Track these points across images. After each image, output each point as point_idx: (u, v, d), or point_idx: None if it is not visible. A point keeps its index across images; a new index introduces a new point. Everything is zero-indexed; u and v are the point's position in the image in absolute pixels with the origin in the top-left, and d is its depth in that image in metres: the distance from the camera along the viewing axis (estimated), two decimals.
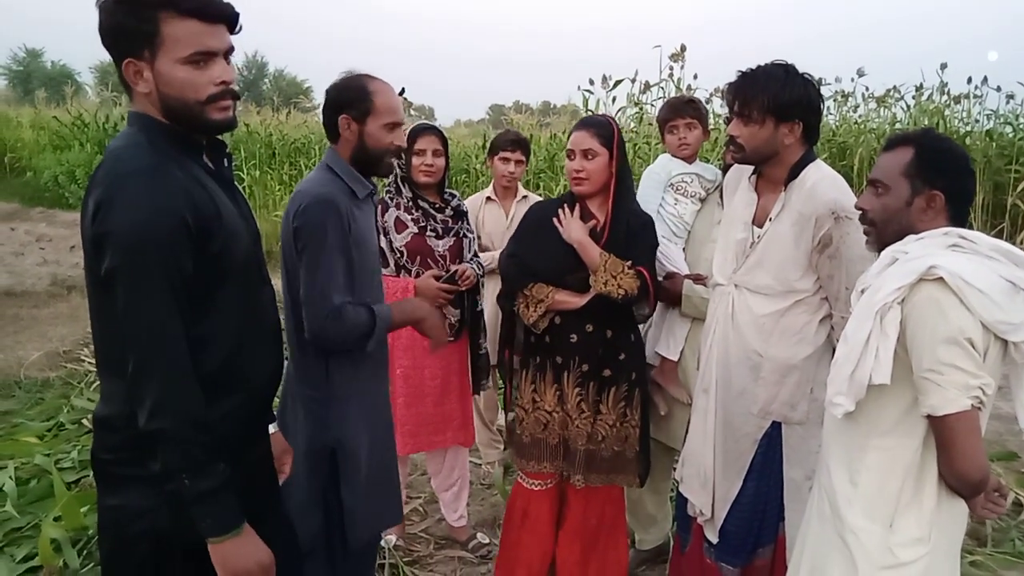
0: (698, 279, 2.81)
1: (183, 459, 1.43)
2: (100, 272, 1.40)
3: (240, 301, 1.59)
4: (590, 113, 9.02)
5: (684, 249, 2.96)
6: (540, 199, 3.55)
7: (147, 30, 1.42)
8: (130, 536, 1.53)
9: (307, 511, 2.17)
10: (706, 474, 2.46)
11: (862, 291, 1.77)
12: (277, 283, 1.92)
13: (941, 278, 1.56)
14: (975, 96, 8.80)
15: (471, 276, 3.01)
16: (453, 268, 2.97)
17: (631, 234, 2.54)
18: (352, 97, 2.19)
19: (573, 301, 2.52)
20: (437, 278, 2.93)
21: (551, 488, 2.68)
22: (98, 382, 4.68)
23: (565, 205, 2.57)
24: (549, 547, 2.72)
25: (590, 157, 2.49)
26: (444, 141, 3.05)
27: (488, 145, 3.50)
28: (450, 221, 3.08)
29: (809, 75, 2.26)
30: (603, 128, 2.52)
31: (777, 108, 2.19)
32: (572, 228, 2.51)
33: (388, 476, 2.39)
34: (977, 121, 8.93)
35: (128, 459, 1.49)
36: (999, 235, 7.73)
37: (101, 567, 1.65)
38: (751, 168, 2.41)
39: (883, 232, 1.80)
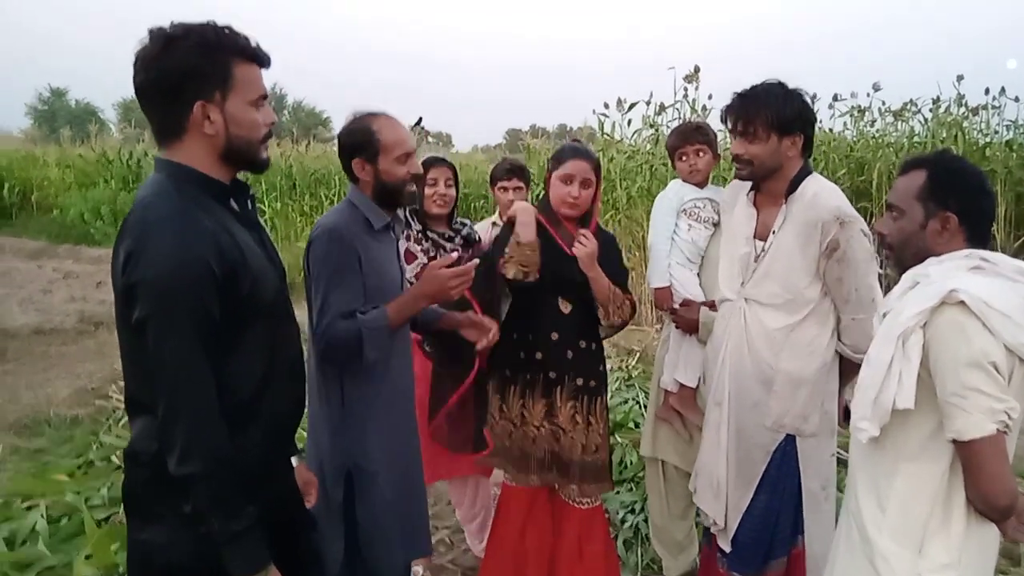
0: (713, 306, 2.81)
1: (213, 501, 1.48)
2: (131, 320, 1.45)
3: (266, 339, 1.63)
4: (606, 137, 9.07)
5: (698, 274, 2.96)
6: None
7: (222, 74, 1.52)
8: (154, 570, 1.57)
9: (330, 537, 2.18)
10: (719, 484, 2.52)
11: (884, 314, 1.77)
12: (301, 313, 1.96)
13: (963, 301, 1.56)
14: (993, 107, 8.74)
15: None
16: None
17: (606, 251, 2.69)
18: (359, 140, 2.25)
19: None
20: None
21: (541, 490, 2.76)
22: (126, 419, 4.77)
23: (581, 230, 2.64)
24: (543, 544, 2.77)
25: (587, 187, 2.66)
26: (454, 171, 3.15)
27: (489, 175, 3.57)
28: (460, 250, 3.09)
29: (803, 90, 2.37)
30: (597, 162, 2.72)
31: (780, 123, 2.31)
32: (588, 256, 2.57)
33: (412, 502, 2.40)
34: (996, 132, 8.85)
35: (155, 494, 1.53)
36: (1022, 246, 7.64)
37: None
38: (748, 184, 2.50)
39: (901, 255, 1.81)
